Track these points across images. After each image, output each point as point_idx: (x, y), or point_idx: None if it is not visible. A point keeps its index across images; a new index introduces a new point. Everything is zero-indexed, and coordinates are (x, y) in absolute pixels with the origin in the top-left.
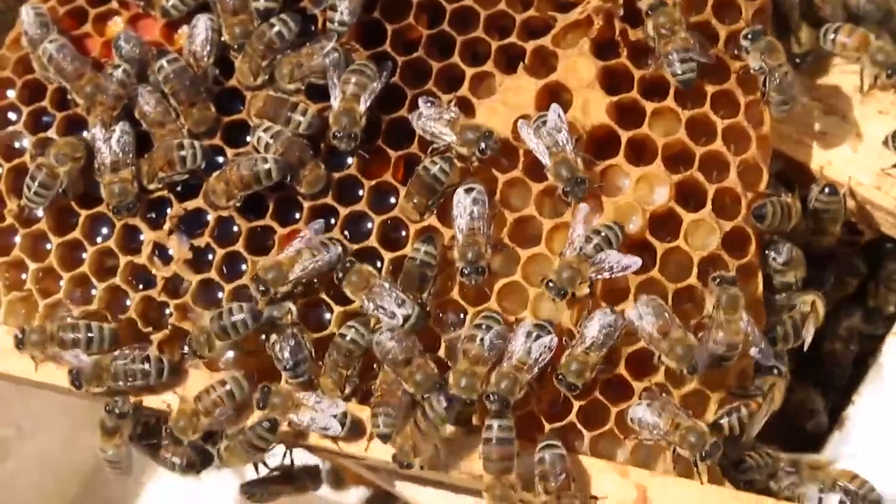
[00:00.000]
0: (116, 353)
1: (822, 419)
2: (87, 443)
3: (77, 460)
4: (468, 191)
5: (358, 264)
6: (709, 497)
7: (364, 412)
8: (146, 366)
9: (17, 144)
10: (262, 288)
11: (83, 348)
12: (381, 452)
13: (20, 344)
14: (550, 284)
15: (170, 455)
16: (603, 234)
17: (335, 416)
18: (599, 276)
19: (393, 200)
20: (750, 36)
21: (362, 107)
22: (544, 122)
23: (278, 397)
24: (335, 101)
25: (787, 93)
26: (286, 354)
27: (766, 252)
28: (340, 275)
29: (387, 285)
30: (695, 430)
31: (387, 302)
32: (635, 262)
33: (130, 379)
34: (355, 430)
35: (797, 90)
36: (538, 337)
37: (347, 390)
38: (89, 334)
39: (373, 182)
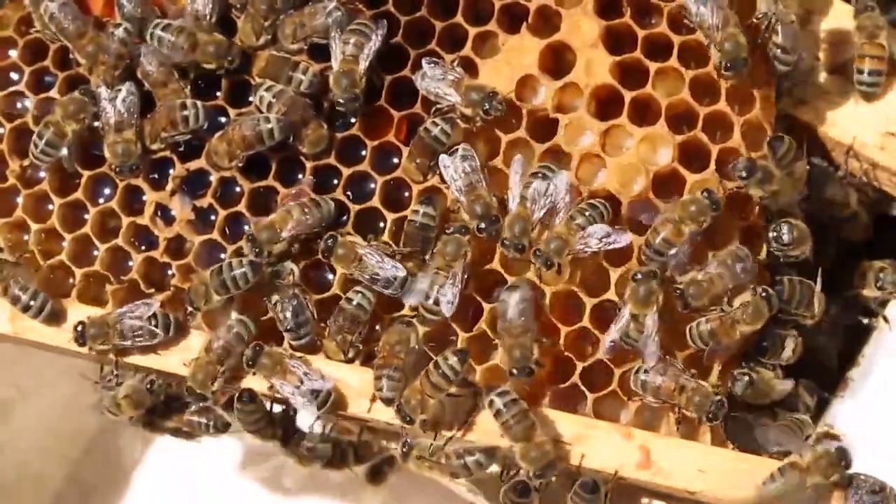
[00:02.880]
0: (123, 308)
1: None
2: (89, 404)
3: (80, 421)
4: (452, 153)
5: (341, 237)
6: (712, 458)
7: (367, 374)
8: (153, 324)
9: (18, 105)
10: (256, 248)
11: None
12: (384, 414)
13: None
14: (538, 253)
15: (198, 418)
16: (598, 209)
17: (315, 396)
18: (587, 249)
19: (396, 161)
20: None
21: (362, 66)
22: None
23: (268, 359)
24: (335, 63)
25: (791, 42)
26: (288, 315)
27: (770, 231)
28: (326, 253)
29: (372, 253)
30: (700, 391)
31: (379, 269)
32: (625, 237)
33: (138, 337)
34: (359, 391)
35: (802, 45)
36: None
37: (351, 354)
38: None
39: (375, 142)
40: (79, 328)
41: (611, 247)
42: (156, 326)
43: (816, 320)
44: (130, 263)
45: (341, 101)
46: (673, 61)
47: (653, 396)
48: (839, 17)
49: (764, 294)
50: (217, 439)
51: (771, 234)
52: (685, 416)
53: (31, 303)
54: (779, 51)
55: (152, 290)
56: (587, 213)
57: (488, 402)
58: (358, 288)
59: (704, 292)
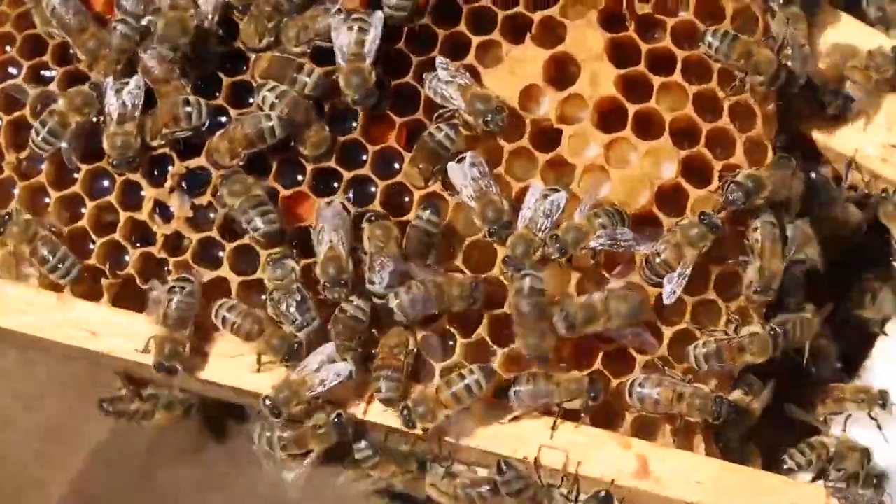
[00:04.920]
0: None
1: None
2: (92, 416)
3: (82, 430)
4: (460, 160)
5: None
6: (708, 468)
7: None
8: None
9: (17, 98)
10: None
11: (44, 267)
12: (381, 416)
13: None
14: (556, 238)
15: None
16: (621, 213)
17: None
18: (602, 247)
19: (397, 166)
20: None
21: (368, 61)
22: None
23: None
24: (339, 59)
25: (801, 64)
26: (293, 310)
27: None
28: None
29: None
30: (699, 394)
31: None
32: (645, 245)
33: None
34: (356, 391)
35: (812, 64)
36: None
37: (349, 357)
38: (58, 262)
39: (377, 147)
40: (267, 402)
41: (625, 248)
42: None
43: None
44: (127, 258)
45: (356, 99)
46: (677, 76)
47: (651, 409)
48: (841, 30)
49: (773, 332)
50: (224, 447)
51: None
52: (687, 423)
53: (60, 265)
54: (790, 72)
55: (148, 286)
56: (610, 213)
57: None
58: (353, 298)
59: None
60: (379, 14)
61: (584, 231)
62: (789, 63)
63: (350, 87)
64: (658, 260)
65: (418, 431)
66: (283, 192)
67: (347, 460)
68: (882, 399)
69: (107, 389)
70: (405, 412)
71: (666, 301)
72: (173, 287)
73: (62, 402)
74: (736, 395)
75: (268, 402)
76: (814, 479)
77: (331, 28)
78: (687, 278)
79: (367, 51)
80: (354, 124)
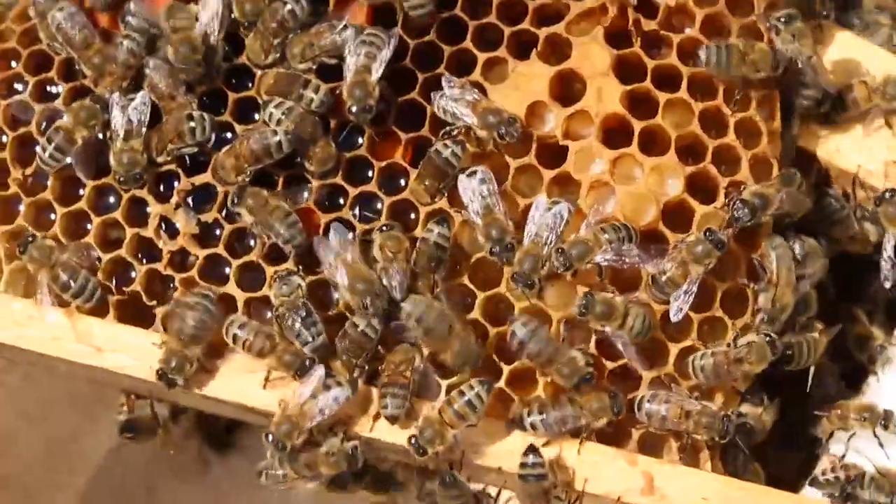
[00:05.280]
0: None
1: None
2: (95, 433)
3: (85, 450)
4: (471, 174)
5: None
6: (714, 486)
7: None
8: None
9: (22, 115)
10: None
11: (66, 293)
12: (388, 434)
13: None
14: (560, 251)
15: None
16: (629, 229)
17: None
18: (608, 263)
19: (403, 182)
20: (784, 18)
21: (374, 76)
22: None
23: None
24: (347, 73)
25: (812, 80)
26: (298, 325)
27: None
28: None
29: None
30: (706, 413)
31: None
32: (652, 264)
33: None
34: (361, 408)
35: (824, 79)
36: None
37: (356, 374)
38: (79, 288)
39: (383, 163)
40: (269, 437)
41: (630, 264)
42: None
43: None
44: (133, 274)
45: (354, 110)
46: (682, 93)
47: (658, 425)
48: (842, 47)
49: (769, 339)
50: (227, 469)
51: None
52: (693, 441)
53: (82, 291)
54: (802, 88)
55: (154, 303)
56: (617, 228)
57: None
58: (365, 313)
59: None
60: (395, 31)
61: (589, 245)
62: (804, 79)
63: (352, 98)
64: (664, 278)
65: (430, 456)
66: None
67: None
68: (886, 419)
69: (111, 407)
70: (413, 441)
71: (673, 318)
72: (193, 303)
73: (65, 419)
74: (745, 408)
75: (270, 438)
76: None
77: (338, 44)
78: (693, 295)
79: (375, 66)
80: (360, 140)
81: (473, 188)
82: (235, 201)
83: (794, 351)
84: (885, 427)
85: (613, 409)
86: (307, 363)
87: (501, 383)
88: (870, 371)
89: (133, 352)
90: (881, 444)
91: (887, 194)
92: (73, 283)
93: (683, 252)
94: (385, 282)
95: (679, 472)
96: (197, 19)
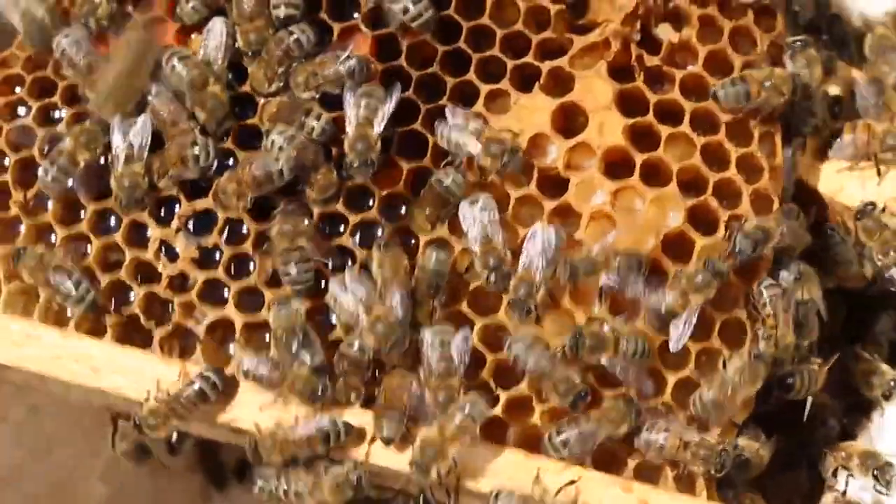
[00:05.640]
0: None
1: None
2: (99, 468)
3: (88, 483)
4: (473, 202)
5: None
6: None
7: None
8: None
9: (23, 139)
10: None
11: (58, 296)
12: (385, 458)
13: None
14: (568, 262)
15: None
16: (640, 259)
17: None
18: (610, 289)
19: (403, 211)
20: (800, 43)
21: (376, 130)
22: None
23: None
24: (349, 127)
25: (819, 108)
26: (294, 348)
27: (776, 272)
28: None
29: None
30: (704, 445)
31: None
32: (655, 299)
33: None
34: (357, 434)
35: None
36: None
37: (353, 397)
38: (72, 288)
39: (384, 192)
40: (249, 445)
41: (632, 295)
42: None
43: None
44: (132, 297)
45: (355, 165)
46: (684, 127)
47: (655, 455)
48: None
49: (756, 355)
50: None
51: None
52: (690, 472)
53: (73, 292)
54: (809, 116)
55: (152, 324)
56: (629, 257)
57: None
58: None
59: None
60: (397, 86)
61: (598, 263)
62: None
63: (353, 152)
64: (663, 307)
65: (434, 477)
66: None
67: None
68: (880, 470)
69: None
70: (417, 464)
71: (672, 348)
72: (196, 382)
73: (70, 454)
74: (742, 441)
75: (250, 446)
76: None
77: (341, 74)
78: (693, 325)
79: (377, 120)
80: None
81: (474, 216)
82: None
83: (794, 380)
84: (876, 478)
85: (631, 413)
86: (320, 391)
87: (498, 410)
88: (875, 406)
89: (130, 374)
90: (879, 492)
91: (868, 208)
92: (65, 284)
93: (683, 282)
94: (386, 301)
95: (675, 499)
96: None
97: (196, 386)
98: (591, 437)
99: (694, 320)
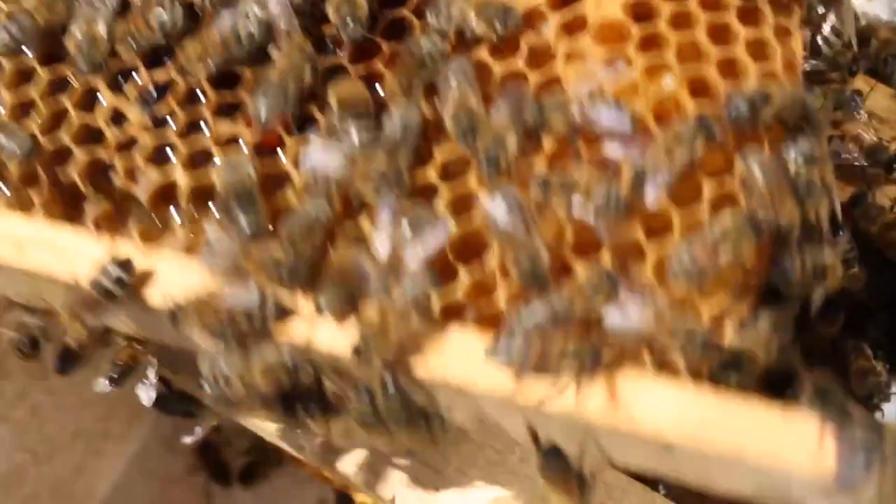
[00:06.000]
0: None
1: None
2: (101, 470)
3: (91, 485)
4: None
5: None
6: (689, 401)
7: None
8: None
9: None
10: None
11: None
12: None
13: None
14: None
15: None
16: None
17: None
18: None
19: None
20: None
21: None
22: None
23: None
24: None
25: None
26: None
27: (784, 148)
28: None
29: None
30: (684, 326)
31: None
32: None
33: None
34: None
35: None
36: None
37: None
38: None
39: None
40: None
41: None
42: None
43: None
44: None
45: (349, 28)
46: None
47: (632, 340)
48: None
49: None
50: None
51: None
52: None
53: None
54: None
55: (90, 192)
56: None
57: None
58: None
59: None
60: None
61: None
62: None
63: (337, 14)
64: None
65: (377, 365)
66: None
67: None
68: None
69: (117, 443)
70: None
71: (647, 202)
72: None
73: (71, 455)
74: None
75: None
76: None
77: None
78: (672, 178)
79: None
80: (341, 53)
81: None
82: None
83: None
84: None
85: (611, 281)
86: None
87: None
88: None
89: (58, 251)
90: None
91: None
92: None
93: (669, 137)
94: None
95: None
96: None
97: (101, 280)
98: (565, 317)
99: (675, 173)
